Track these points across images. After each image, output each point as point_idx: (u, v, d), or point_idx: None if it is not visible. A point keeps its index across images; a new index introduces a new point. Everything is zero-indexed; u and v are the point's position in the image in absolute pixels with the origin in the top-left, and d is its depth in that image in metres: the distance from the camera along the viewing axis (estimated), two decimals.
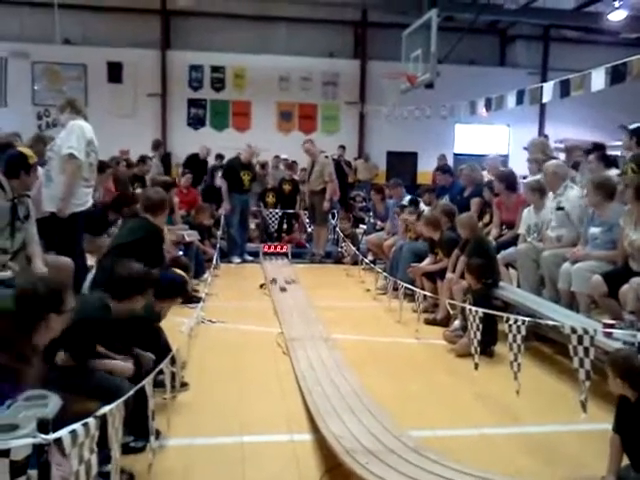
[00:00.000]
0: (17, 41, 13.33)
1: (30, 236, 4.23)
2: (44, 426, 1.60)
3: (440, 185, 8.17)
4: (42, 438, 1.57)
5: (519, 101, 7.81)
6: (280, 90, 14.35)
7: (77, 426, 1.71)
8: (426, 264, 6.29)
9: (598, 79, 5.95)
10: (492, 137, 14.62)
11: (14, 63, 13.50)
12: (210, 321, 5.72)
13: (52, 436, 1.60)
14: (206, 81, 14.33)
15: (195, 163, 11.39)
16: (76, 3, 12.97)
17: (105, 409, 2.00)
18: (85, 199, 5.13)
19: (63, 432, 1.63)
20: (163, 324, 4.28)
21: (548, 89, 7.05)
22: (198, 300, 6.28)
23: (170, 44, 14.12)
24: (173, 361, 3.60)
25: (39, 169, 4.74)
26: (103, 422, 1.97)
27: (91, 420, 1.82)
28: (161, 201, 4.62)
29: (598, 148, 7.13)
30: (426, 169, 13.36)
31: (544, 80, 11.99)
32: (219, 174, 10.10)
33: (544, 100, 7.32)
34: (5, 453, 1.55)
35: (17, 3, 13.25)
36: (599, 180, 4.98)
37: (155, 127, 13.99)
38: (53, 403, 1.91)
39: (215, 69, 14.26)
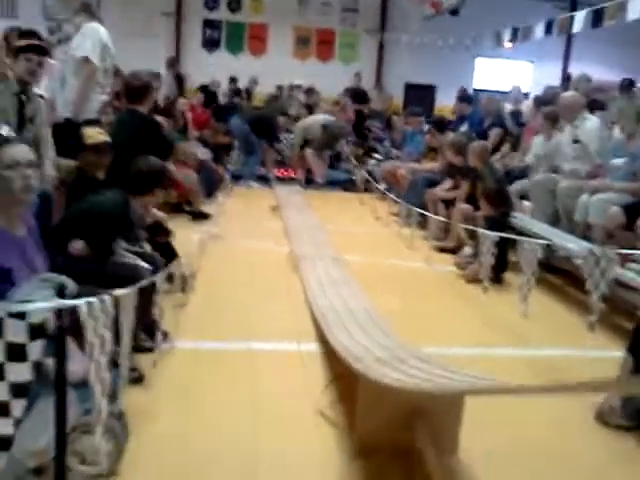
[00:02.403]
0: None
1: (41, 138, 4.11)
2: (62, 292, 1.59)
3: (459, 115, 7.98)
4: (60, 303, 1.57)
5: (547, 31, 7.53)
6: (298, 14, 13.87)
7: (93, 298, 1.70)
8: (443, 189, 6.19)
9: (635, 8, 5.70)
10: (514, 73, 14.19)
11: None
12: (221, 237, 5.70)
13: (70, 302, 1.59)
14: (222, 1, 13.88)
15: (205, 94, 11.15)
16: None
17: (121, 291, 1.98)
18: (100, 106, 5.02)
19: (80, 301, 1.62)
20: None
21: (580, 18, 6.78)
22: (209, 217, 6.29)
23: None
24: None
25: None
26: (118, 306, 1.97)
27: (107, 296, 1.80)
28: (144, 87, 4.45)
29: (631, 84, 7.00)
30: (444, 103, 13.03)
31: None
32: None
33: (574, 30, 7.04)
34: (22, 316, 1.55)
35: None
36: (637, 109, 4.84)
37: (169, 47, 13.65)
38: (70, 283, 1.90)
39: None
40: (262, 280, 4.67)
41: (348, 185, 9.34)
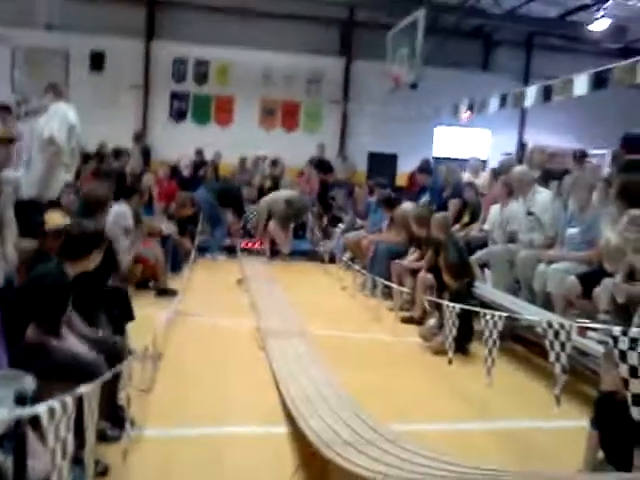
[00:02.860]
0: None
1: (5, 222, 4.12)
2: (22, 400, 1.57)
3: (420, 185, 8.22)
4: (19, 412, 1.55)
5: (502, 104, 7.90)
6: (264, 86, 14.26)
7: (54, 402, 1.68)
8: (410, 260, 6.30)
9: (580, 84, 6.04)
10: (472, 141, 14.73)
11: None
12: (187, 314, 5.66)
13: (29, 410, 1.57)
14: (189, 74, 14.20)
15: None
16: None
17: (83, 388, 1.96)
18: (62, 186, 5.06)
19: (41, 407, 1.60)
20: (139, 315, 4.27)
21: (531, 93, 7.15)
22: (174, 293, 6.25)
23: (154, 34, 13.97)
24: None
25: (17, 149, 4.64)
26: (80, 402, 1.94)
27: (68, 398, 1.79)
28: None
29: (584, 155, 7.38)
30: (405, 171, 13.41)
31: (526, 86, 12.15)
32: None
33: (527, 104, 7.42)
34: None
35: None
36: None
37: (136, 118, 13.84)
38: (29, 381, 1.88)
39: (199, 63, 14.13)
40: (229, 359, 4.63)
41: (312, 255, 9.42)
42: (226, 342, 5.05)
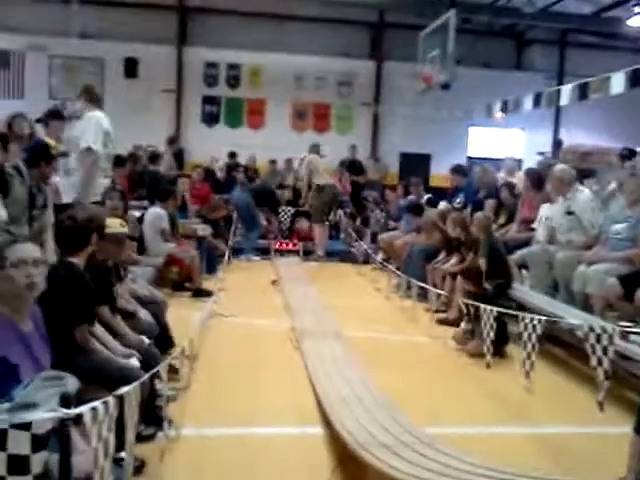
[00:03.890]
0: (35, 34, 13.41)
1: (45, 225, 4.24)
2: (66, 401, 1.60)
3: (454, 186, 8.14)
4: (64, 413, 1.57)
5: (536, 104, 7.77)
6: (295, 89, 14.31)
7: (97, 404, 1.70)
8: (451, 264, 6.21)
9: (618, 82, 5.91)
10: (506, 141, 14.54)
11: (32, 56, 13.58)
12: (222, 315, 5.71)
13: (74, 411, 1.60)
14: (221, 78, 14.34)
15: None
16: None
17: (123, 390, 1.99)
18: (102, 189, 5.17)
19: (84, 408, 1.63)
20: (175, 316, 4.32)
21: (566, 92, 7.01)
22: (210, 294, 6.31)
23: (186, 41, 14.16)
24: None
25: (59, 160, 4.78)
26: (120, 404, 1.97)
27: (111, 399, 1.82)
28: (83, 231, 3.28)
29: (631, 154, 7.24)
30: (439, 171, 13.29)
31: (560, 85, 11.95)
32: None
33: (562, 103, 7.26)
34: (26, 427, 1.55)
35: None
36: None
37: (169, 123, 14.03)
38: (72, 382, 1.91)
39: (231, 67, 14.28)
40: (264, 359, 4.64)
41: (346, 256, 9.41)
42: (261, 342, 5.07)
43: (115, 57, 13.75)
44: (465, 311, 5.09)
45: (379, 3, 13.35)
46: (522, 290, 5.37)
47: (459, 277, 5.35)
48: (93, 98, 5.32)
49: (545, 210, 5.87)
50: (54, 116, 5.47)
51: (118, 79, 13.69)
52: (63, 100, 12.68)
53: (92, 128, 5.01)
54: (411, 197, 8.76)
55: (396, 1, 13.19)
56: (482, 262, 5.05)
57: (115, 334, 3.34)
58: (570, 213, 5.44)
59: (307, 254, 9.32)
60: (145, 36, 13.65)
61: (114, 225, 3.71)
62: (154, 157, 9.29)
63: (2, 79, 13.80)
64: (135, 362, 3.12)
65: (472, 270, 5.22)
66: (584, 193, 5.59)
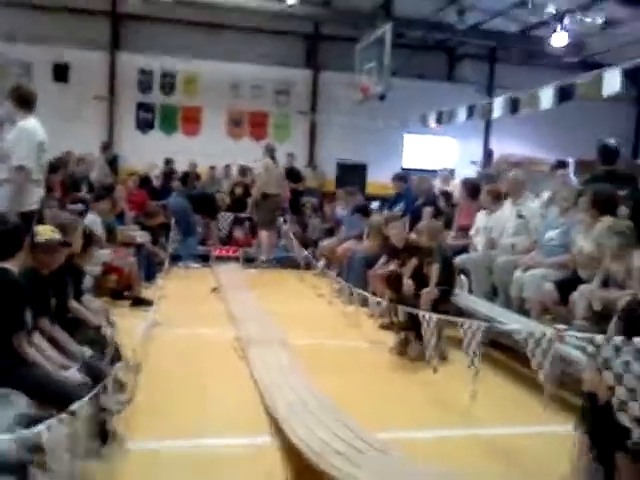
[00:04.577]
0: None
1: None
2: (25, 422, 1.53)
3: (396, 192, 8.30)
4: (25, 433, 1.50)
5: (469, 115, 8.02)
6: (231, 97, 14.21)
7: (53, 421, 1.64)
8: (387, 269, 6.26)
9: (546, 98, 6.18)
10: (440, 150, 14.94)
11: None
12: (163, 324, 5.57)
13: (33, 430, 1.52)
14: (156, 85, 14.09)
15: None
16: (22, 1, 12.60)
17: (75, 406, 1.92)
18: (36, 198, 4.94)
19: (40, 427, 1.56)
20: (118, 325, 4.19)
21: (498, 105, 7.27)
22: (150, 303, 6.16)
23: (120, 46, 13.82)
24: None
25: None
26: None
27: (64, 416, 1.75)
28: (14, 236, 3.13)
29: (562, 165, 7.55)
30: (376, 180, 13.53)
31: (490, 97, 12.39)
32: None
33: (494, 116, 7.53)
34: None
35: None
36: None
37: (102, 129, 13.66)
38: (23, 402, 1.83)
39: (165, 74, 14.06)
40: (209, 369, 4.57)
41: (287, 262, 9.41)
42: (205, 352, 4.99)
43: (44, 61, 13.26)
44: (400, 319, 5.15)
45: (315, 16, 13.47)
46: (462, 295, 5.51)
47: (405, 280, 5.38)
48: (24, 100, 5.01)
49: (482, 218, 6.07)
50: None
51: (47, 84, 13.19)
52: None
53: (24, 143, 4.73)
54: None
55: (332, 14, 13.37)
56: (435, 268, 5.12)
57: (56, 344, 3.22)
58: (520, 217, 5.66)
59: (248, 261, 9.26)
60: (76, 41, 13.24)
61: (45, 233, 3.51)
62: (81, 160, 9.11)
63: None
64: (75, 374, 2.99)
65: (392, 276, 5.34)
66: (535, 202, 5.85)
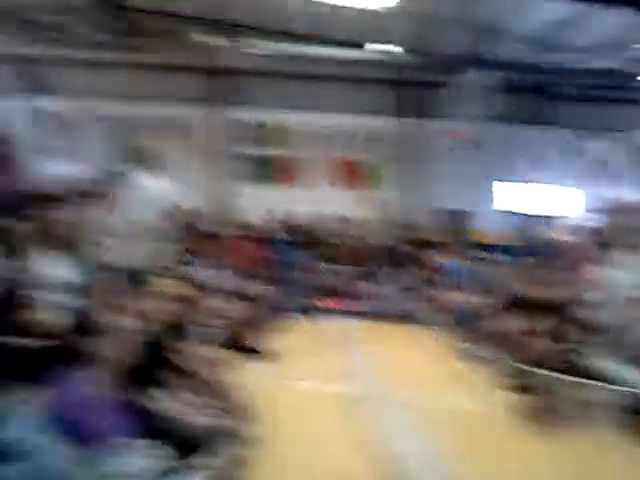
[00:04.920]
0: None
1: None
2: None
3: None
4: None
5: (566, 158, 7.66)
6: (325, 147, 14.45)
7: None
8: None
9: None
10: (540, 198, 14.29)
11: None
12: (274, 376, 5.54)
13: None
14: (249, 137, 14.54)
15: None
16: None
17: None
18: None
19: None
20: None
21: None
22: (260, 354, 6.21)
23: (213, 100, 14.37)
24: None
25: None
26: None
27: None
28: None
29: None
30: (476, 227, 13.21)
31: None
32: None
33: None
34: None
35: None
36: None
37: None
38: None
39: (259, 126, 14.51)
40: (321, 426, 4.46)
41: (397, 315, 9.17)
42: (317, 408, 4.88)
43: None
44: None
45: (402, 63, 13.56)
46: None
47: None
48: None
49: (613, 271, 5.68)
50: None
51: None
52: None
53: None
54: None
55: (421, 60, 13.37)
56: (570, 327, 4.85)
57: None
58: None
59: (354, 314, 9.14)
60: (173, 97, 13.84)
61: None
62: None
63: None
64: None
65: (526, 334, 5.03)
66: None
